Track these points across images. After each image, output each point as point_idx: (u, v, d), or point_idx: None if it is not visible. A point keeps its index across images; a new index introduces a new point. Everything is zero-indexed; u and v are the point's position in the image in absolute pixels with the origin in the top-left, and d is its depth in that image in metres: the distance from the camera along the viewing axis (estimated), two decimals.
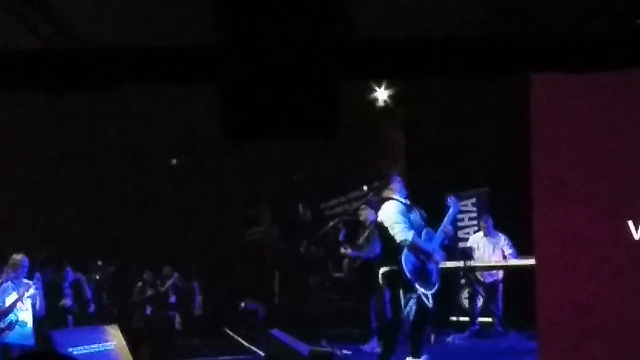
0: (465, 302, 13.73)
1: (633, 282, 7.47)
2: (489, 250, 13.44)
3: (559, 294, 7.71)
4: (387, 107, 15.14)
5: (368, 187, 13.75)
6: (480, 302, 13.40)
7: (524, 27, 7.61)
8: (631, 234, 7.47)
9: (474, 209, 15.40)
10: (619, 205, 7.51)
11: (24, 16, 7.08)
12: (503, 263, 13.27)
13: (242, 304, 15.30)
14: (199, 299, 15.43)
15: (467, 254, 13.67)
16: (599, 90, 7.40)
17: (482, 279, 13.43)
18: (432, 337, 11.81)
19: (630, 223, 7.47)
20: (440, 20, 8.16)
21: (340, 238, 12.77)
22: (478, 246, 13.62)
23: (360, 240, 12.44)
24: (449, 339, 12.43)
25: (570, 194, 7.64)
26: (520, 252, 13.24)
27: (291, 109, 3.33)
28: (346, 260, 12.74)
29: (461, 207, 15.31)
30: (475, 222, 15.14)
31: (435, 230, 9.38)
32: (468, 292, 13.68)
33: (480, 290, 13.41)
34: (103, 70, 3.59)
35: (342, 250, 12.70)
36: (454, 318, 13.54)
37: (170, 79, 3.89)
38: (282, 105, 3.33)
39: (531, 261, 12.65)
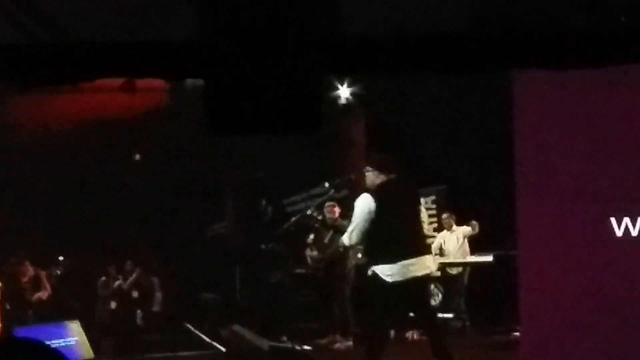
0: None
1: (615, 279, 7.58)
2: (454, 243, 13.65)
3: (541, 290, 7.80)
4: (348, 104, 15.25)
5: (329, 184, 13.78)
6: (440, 298, 13.60)
7: (507, 24, 7.66)
8: (614, 232, 7.57)
9: (434, 206, 15.54)
10: (601, 203, 7.61)
11: (5, 10, 7.02)
12: (462, 260, 13.46)
13: (203, 299, 15.28)
14: (159, 294, 15.37)
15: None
16: (582, 87, 7.49)
17: (449, 274, 13.65)
18: (392, 332, 11.86)
19: (613, 220, 7.56)
20: (425, 18, 8.19)
21: (309, 240, 12.74)
22: (444, 241, 13.81)
23: (326, 240, 12.42)
24: (408, 334, 12.49)
25: (552, 191, 7.73)
26: (479, 249, 13.43)
27: (276, 103, 3.37)
28: (310, 260, 12.74)
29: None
30: (435, 219, 15.28)
31: None
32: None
33: (440, 286, 13.61)
34: (87, 65, 3.61)
35: (309, 252, 12.67)
36: (412, 314, 13.62)
37: (156, 73, 3.92)
38: (266, 100, 3.37)
39: (489, 258, 12.88)
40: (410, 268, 8.13)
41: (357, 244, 8.85)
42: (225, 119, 3.55)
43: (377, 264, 8.35)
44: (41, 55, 3.73)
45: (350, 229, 8.54)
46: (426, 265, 8.31)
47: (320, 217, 12.65)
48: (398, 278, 8.13)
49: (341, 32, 3.72)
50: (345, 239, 8.74)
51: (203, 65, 3.53)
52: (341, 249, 11.86)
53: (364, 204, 8.36)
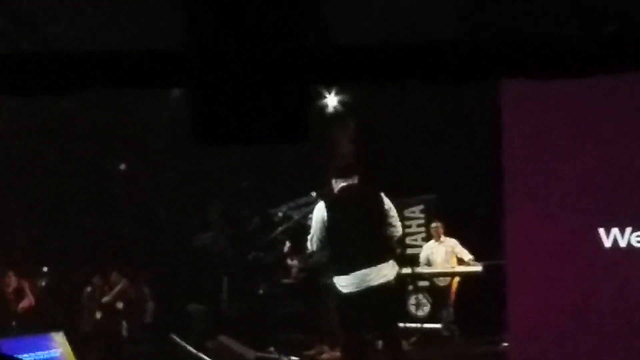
0: (413, 309, 13.81)
1: (603, 289, 7.57)
2: (442, 255, 13.63)
3: (530, 301, 7.78)
4: (336, 113, 15.23)
5: (316, 193, 13.74)
6: (428, 308, 13.60)
7: (495, 33, 7.65)
8: (602, 242, 7.56)
9: (422, 215, 15.53)
10: (590, 214, 7.60)
11: None
12: (450, 270, 13.46)
13: (189, 310, 15.22)
14: (149, 305, 15.33)
15: (414, 260, 13.86)
16: (570, 97, 7.48)
17: (437, 285, 13.67)
18: (380, 343, 11.83)
19: (602, 231, 7.55)
20: (412, 27, 8.19)
21: (285, 250, 12.68)
22: (432, 252, 13.80)
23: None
24: None
25: (541, 201, 7.72)
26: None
27: (262, 114, 3.32)
28: (294, 269, 12.70)
29: (409, 214, 15.54)
30: (423, 228, 15.27)
31: None
32: (415, 299, 13.76)
33: (429, 296, 13.60)
34: (70, 74, 3.55)
35: (289, 261, 12.60)
36: (401, 324, 13.60)
37: (140, 83, 3.86)
38: (252, 110, 3.32)
39: (478, 268, 12.88)
40: (365, 278, 7.93)
41: (317, 251, 8.69)
42: (210, 129, 3.49)
43: (335, 273, 8.23)
44: (24, 64, 3.66)
45: (309, 237, 8.42)
46: (383, 274, 8.01)
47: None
48: (352, 289, 7.98)
49: (329, 41, 3.68)
50: (309, 246, 8.61)
51: (188, 75, 3.47)
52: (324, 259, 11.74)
53: (317, 212, 8.28)
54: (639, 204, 7.57)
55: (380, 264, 8.03)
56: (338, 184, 8.39)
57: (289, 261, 12.83)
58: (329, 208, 8.19)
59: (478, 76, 3.88)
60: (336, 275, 8.19)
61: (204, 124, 3.40)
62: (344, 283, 8.05)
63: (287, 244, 13.01)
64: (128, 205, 17.41)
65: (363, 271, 7.94)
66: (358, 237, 8.09)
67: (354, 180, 8.37)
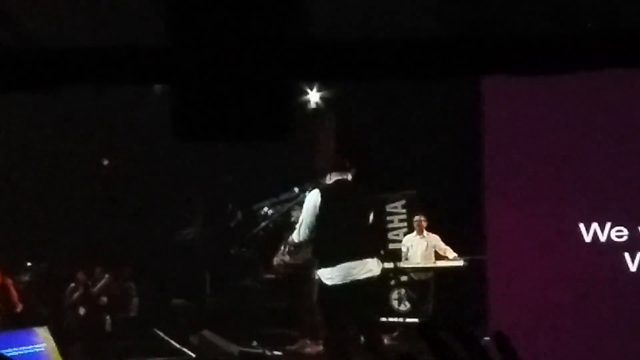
0: (395, 303, 13.86)
1: (584, 285, 7.60)
2: (422, 250, 13.68)
3: (511, 295, 7.81)
4: (318, 109, 15.26)
5: (299, 189, 13.78)
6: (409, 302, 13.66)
7: (475, 30, 7.68)
8: (582, 237, 7.60)
9: (403, 210, 15.60)
10: (570, 208, 7.64)
11: None
12: (432, 264, 13.52)
13: (172, 305, 15.25)
14: (133, 300, 15.34)
15: (397, 255, 13.91)
16: (550, 93, 7.51)
17: (415, 279, 13.70)
18: (362, 338, 11.86)
19: (582, 226, 7.60)
20: (394, 23, 8.20)
21: (282, 246, 12.71)
22: (412, 245, 13.84)
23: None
24: None
25: (521, 197, 7.75)
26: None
27: (244, 110, 3.34)
28: (278, 263, 12.72)
29: (391, 209, 15.61)
30: (405, 224, 15.33)
31: None
32: (398, 293, 13.81)
33: (410, 291, 13.64)
34: (52, 70, 3.56)
35: (281, 257, 12.62)
36: (383, 319, 13.64)
37: (121, 79, 3.87)
38: (234, 106, 3.33)
39: (460, 263, 12.94)
40: (351, 271, 7.97)
41: (305, 240, 8.58)
42: (193, 125, 3.50)
43: (320, 265, 8.27)
44: (6, 60, 3.65)
45: (298, 225, 8.48)
46: (368, 268, 8.06)
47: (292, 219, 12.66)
48: (337, 281, 8.00)
49: (310, 37, 3.70)
50: (295, 236, 8.63)
51: (170, 71, 3.48)
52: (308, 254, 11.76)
53: (310, 199, 8.32)
54: (618, 199, 7.61)
55: (366, 258, 8.10)
56: (333, 177, 8.46)
57: (279, 253, 12.83)
58: (322, 196, 8.23)
59: (459, 72, 3.91)
60: (321, 267, 8.23)
61: (186, 120, 3.41)
62: (329, 275, 8.08)
63: (270, 239, 13.03)
64: (111, 201, 17.38)
65: (349, 264, 7.99)
66: (347, 229, 8.12)
67: (348, 175, 8.44)
